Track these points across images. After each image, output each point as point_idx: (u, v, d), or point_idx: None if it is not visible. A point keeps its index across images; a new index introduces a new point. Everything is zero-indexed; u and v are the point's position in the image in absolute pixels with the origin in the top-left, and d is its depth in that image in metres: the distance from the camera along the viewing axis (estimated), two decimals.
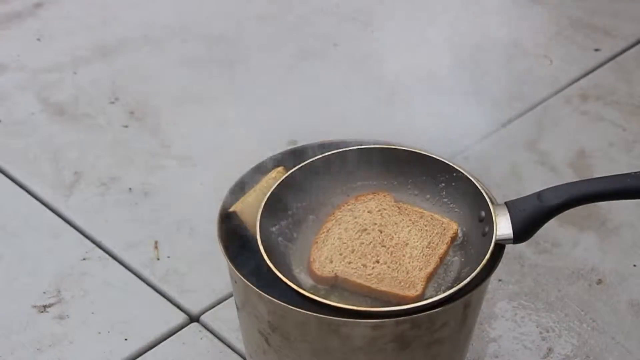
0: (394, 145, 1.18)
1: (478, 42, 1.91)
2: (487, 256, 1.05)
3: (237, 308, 1.14)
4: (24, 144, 1.65)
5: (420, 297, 1.05)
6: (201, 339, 1.33)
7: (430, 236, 1.11)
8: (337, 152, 1.17)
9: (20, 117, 1.71)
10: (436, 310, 1.03)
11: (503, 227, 1.07)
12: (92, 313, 1.36)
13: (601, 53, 1.88)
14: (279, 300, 1.03)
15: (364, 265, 1.08)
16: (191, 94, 1.78)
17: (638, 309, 1.38)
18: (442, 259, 1.10)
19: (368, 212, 1.13)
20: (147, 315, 1.36)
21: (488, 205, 1.10)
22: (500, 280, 1.40)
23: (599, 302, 1.39)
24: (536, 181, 1.57)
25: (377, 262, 1.08)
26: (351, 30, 1.95)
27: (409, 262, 1.08)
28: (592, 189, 1.07)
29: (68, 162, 1.61)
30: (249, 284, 1.05)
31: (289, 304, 1.02)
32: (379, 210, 1.14)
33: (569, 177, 1.58)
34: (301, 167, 1.15)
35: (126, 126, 1.69)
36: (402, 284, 1.06)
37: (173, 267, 1.43)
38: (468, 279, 1.03)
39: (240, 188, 1.15)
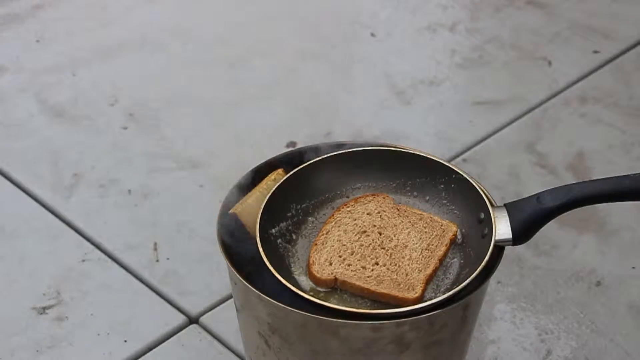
0: (393, 147, 1.18)
1: (477, 45, 1.91)
2: (487, 258, 1.05)
3: (237, 310, 1.14)
4: (23, 146, 1.65)
5: (420, 299, 1.05)
6: (200, 340, 1.33)
7: (429, 238, 1.11)
8: (336, 154, 1.17)
9: (19, 118, 1.71)
10: (435, 312, 1.03)
11: (502, 228, 1.08)
12: (92, 315, 1.36)
13: (600, 55, 1.88)
14: (279, 302, 1.03)
15: (363, 268, 1.08)
16: (190, 95, 1.78)
17: (637, 311, 1.38)
18: (441, 260, 1.10)
19: (367, 214, 1.14)
20: (147, 317, 1.36)
21: (487, 207, 1.10)
22: (499, 282, 1.40)
23: (598, 304, 1.39)
24: (535, 183, 1.57)
25: (377, 264, 1.09)
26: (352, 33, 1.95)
27: (408, 264, 1.08)
28: (591, 191, 1.07)
29: (67, 163, 1.61)
30: (249, 285, 1.05)
31: (288, 306, 1.03)
32: (378, 212, 1.14)
33: (568, 179, 1.58)
34: (300, 169, 1.15)
35: (125, 128, 1.69)
36: (402, 285, 1.06)
37: (172, 268, 1.43)
38: (467, 281, 1.04)
39: (240, 190, 1.15)
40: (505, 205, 1.10)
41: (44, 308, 1.37)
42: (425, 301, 1.04)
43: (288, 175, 1.15)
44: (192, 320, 1.36)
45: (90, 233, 1.48)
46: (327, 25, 1.96)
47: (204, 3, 2.04)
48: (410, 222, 1.13)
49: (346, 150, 1.17)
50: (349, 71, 1.84)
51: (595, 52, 1.89)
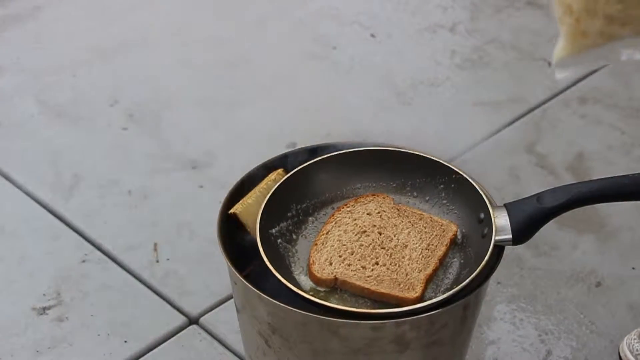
0: (393, 147, 1.18)
1: (477, 45, 1.91)
2: (487, 258, 1.05)
3: (237, 310, 1.14)
4: (23, 146, 1.65)
5: (420, 299, 1.06)
6: (200, 341, 1.33)
7: (429, 238, 1.11)
8: (336, 154, 1.17)
9: (19, 119, 1.71)
10: (435, 312, 1.03)
11: (502, 228, 1.08)
12: (92, 315, 1.36)
13: None
14: (279, 301, 1.03)
15: (364, 267, 1.08)
16: (190, 96, 1.78)
17: (637, 311, 1.38)
18: (441, 260, 1.10)
19: (367, 214, 1.14)
20: (147, 318, 1.36)
21: (487, 207, 1.10)
22: (499, 282, 1.40)
23: (598, 304, 1.39)
24: (535, 183, 1.57)
25: (377, 264, 1.09)
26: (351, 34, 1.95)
27: (408, 264, 1.08)
28: (590, 191, 1.07)
29: (67, 164, 1.61)
30: (249, 285, 1.05)
31: (289, 306, 1.03)
32: (379, 212, 1.14)
33: (568, 179, 1.58)
34: (301, 169, 1.15)
35: (125, 128, 1.69)
36: (402, 285, 1.06)
37: (172, 269, 1.43)
38: (467, 281, 1.04)
39: (240, 190, 1.15)
40: (505, 205, 1.10)
41: (44, 308, 1.37)
42: (425, 301, 1.04)
43: (288, 175, 1.15)
44: (192, 320, 1.36)
45: (90, 233, 1.48)
46: (327, 26, 1.96)
47: (204, 3, 2.04)
48: (410, 222, 1.13)
49: (346, 151, 1.17)
50: (349, 71, 1.84)
51: None
